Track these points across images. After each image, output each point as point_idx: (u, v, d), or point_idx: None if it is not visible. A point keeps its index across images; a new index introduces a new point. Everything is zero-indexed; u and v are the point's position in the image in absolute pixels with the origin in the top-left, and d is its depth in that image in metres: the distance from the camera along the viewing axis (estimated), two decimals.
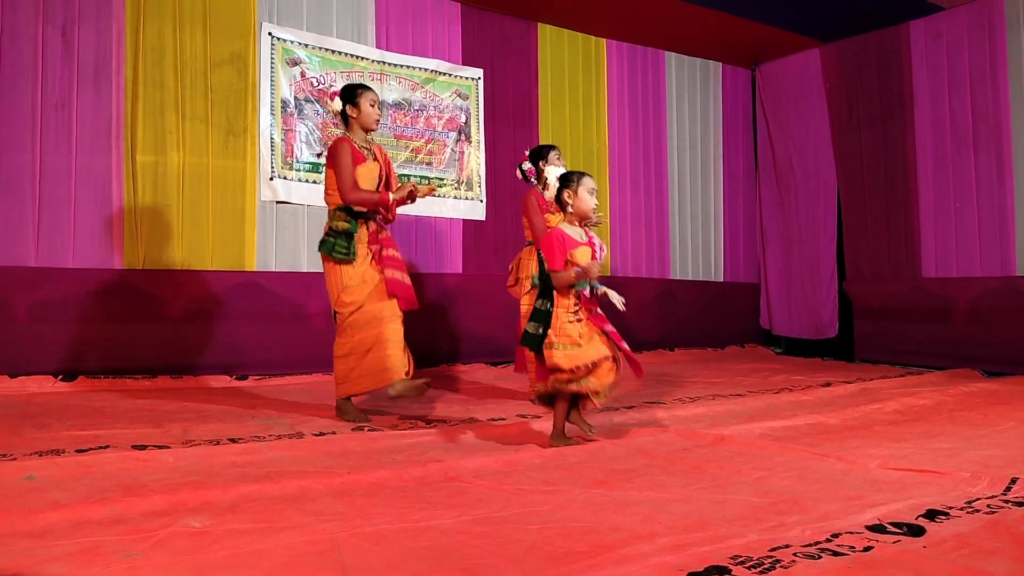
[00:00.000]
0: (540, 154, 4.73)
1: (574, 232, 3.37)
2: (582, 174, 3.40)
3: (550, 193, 3.45)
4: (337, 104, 4.06)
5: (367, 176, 4.01)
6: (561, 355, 3.21)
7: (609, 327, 3.33)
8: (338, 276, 3.95)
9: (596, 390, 3.25)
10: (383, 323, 3.93)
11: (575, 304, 3.29)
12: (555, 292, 3.28)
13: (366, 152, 4.05)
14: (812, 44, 7.95)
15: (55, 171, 5.15)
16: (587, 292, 3.32)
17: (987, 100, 6.62)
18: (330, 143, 4.10)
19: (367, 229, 4.01)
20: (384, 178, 4.14)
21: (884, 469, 2.89)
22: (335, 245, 3.92)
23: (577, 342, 3.23)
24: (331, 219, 3.98)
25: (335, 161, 3.94)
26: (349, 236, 3.93)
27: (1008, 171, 6.48)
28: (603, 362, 3.24)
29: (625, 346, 3.32)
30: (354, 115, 4.03)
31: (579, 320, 3.27)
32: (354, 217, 3.97)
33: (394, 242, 4.14)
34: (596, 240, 3.43)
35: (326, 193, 4.05)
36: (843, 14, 7.23)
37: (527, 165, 4.79)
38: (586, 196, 3.35)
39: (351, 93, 4.04)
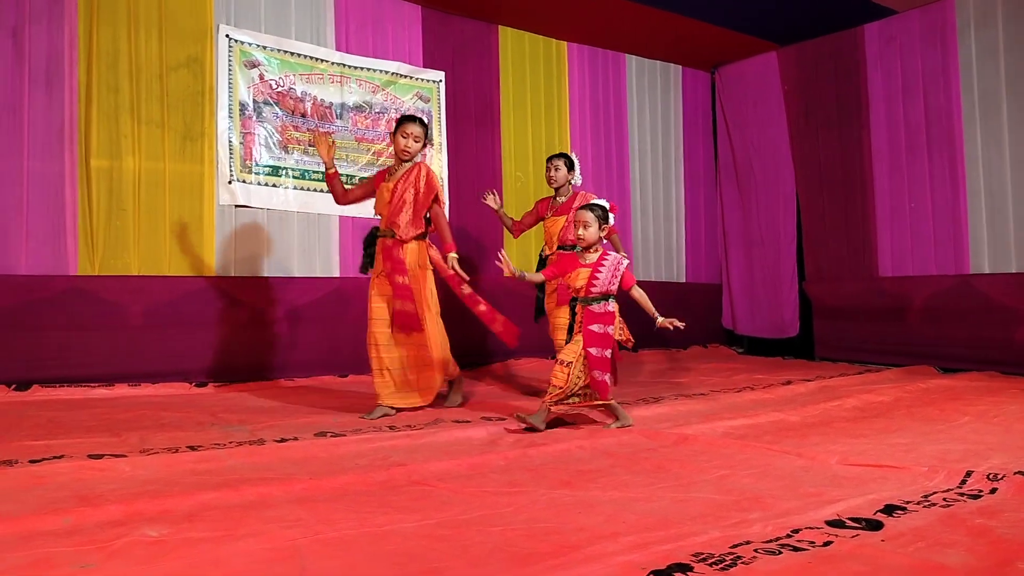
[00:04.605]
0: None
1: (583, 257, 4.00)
2: None
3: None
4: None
5: (379, 197, 4.40)
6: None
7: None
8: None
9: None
10: None
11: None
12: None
13: (391, 173, 4.39)
14: (770, 47, 8.05)
15: (6, 176, 5.02)
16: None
17: (940, 102, 6.75)
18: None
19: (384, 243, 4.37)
20: (400, 199, 4.29)
21: (843, 465, 2.92)
22: None
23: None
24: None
25: None
26: None
27: (961, 172, 6.62)
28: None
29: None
30: (390, 144, 4.55)
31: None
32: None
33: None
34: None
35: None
36: (800, 17, 7.33)
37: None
38: None
39: (396, 124, 4.34)
